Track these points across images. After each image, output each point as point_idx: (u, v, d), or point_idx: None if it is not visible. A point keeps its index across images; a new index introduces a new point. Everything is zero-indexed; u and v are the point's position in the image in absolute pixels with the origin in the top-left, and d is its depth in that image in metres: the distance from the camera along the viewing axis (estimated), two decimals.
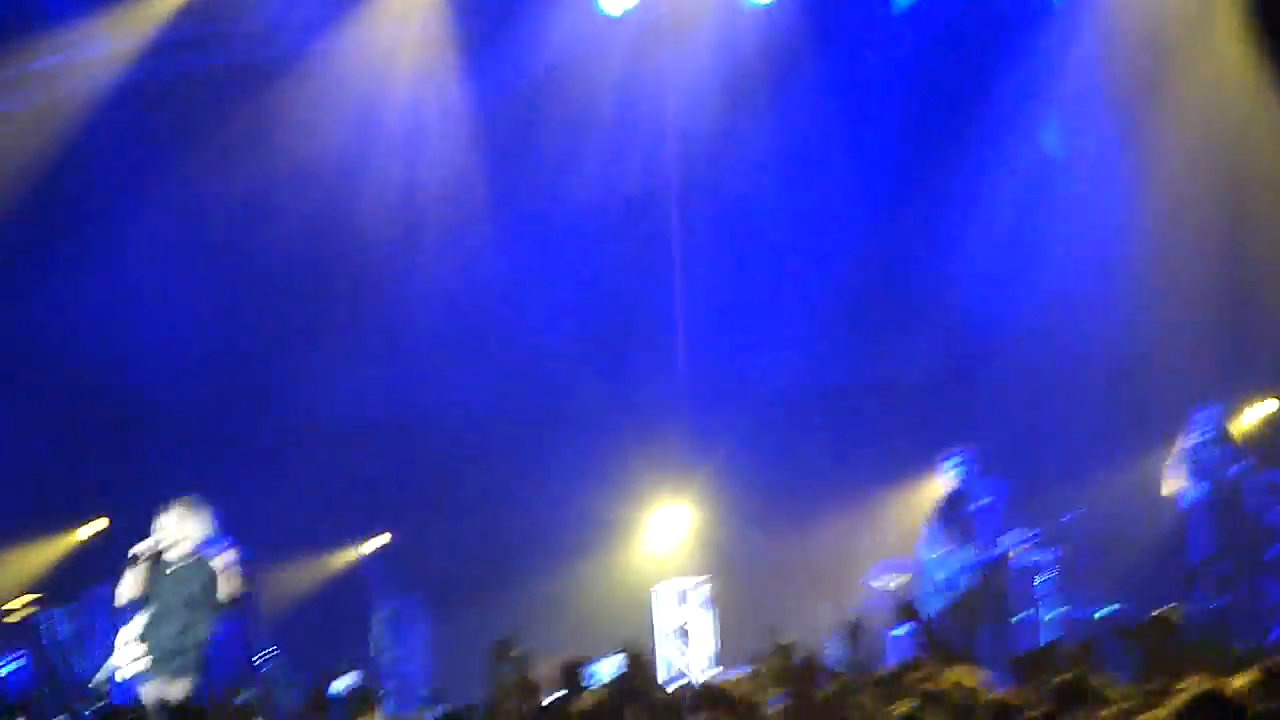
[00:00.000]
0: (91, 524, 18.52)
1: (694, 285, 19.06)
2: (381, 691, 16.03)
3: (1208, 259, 17.50)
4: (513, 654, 9.53)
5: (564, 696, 9.00)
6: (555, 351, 18.85)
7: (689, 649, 18.07)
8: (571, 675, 9.29)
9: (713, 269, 19.07)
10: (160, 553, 13.31)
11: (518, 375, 19.16)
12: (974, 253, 18.42)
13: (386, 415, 19.58)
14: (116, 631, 14.68)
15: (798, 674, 9.36)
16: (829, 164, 18.83)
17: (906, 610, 13.19)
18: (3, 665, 16.73)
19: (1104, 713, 8.29)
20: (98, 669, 14.80)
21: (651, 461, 18.88)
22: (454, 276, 18.86)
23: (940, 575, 16.00)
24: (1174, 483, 15.64)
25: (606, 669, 10.12)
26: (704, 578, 18.32)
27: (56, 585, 18.02)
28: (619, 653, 9.97)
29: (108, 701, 10.93)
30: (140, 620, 13.50)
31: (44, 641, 17.12)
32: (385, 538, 18.63)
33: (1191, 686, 7.38)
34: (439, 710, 9.25)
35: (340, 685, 10.06)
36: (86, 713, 10.40)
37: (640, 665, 9.96)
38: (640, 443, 18.91)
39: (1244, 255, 17.52)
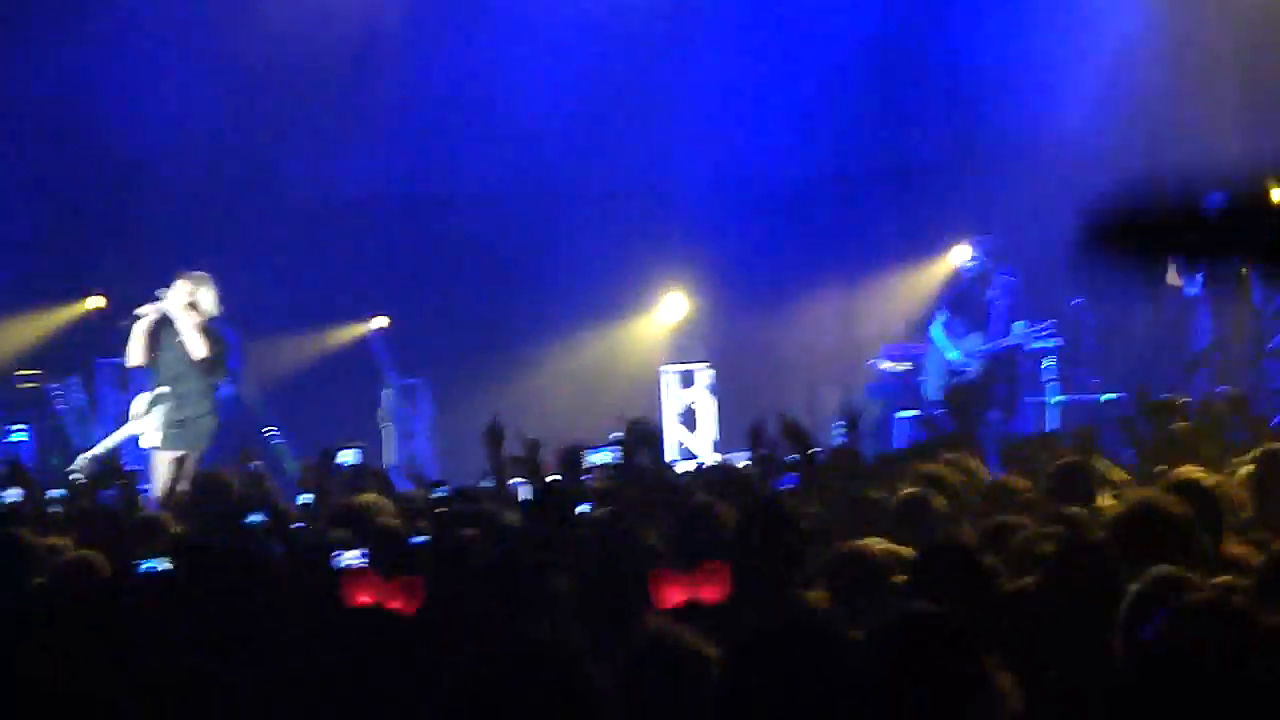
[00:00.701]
0: (95, 296, 18.49)
1: (698, 67, 18.84)
2: (385, 470, 16.19)
3: (1225, 35, 17.29)
4: (501, 438, 9.54)
5: (563, 479, 9.02)
6: (559, 133, 18.69)
7: (695, 432, 18.19)
8: (571, 460, 9.31)
9: (718, 51, 18.85)
10: (167, 322, 13.33)
11: (520, 157, 19.01)
12: (986, 33, 18.17)
13: (390, 194, 19.49)
14: (124, 402, 14.77)
15: (803, 458, 9.39)
16: None
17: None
18: (12, 434, 16.83)
19: (1101, 497, 8.38)
20: (107, 438, 14.90)
21: (656, 245, 18.86)
22: (457, 58, 18.64)
23: (948, 360, 16.04)
24: (1177, 270, 15.55)
25: (609, 454, 10.17)
26: (708, 363, 18.40)
27: (65, 356, 18.03)
28: (624, 433, 9.98)
29: (116, 468, 10.98)
30: (148, 390, 13.58)
31: (55, 410, 17.18)
32: (387, 318, 18.65)
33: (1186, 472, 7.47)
34: (444, 490, 9.28)
35: (344, 458, 10.09)
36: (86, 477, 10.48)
37: (647, 441, 9.97)
38: (644, 227, 18.88)
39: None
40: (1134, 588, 5.17)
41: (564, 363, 19.13)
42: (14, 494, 8.91)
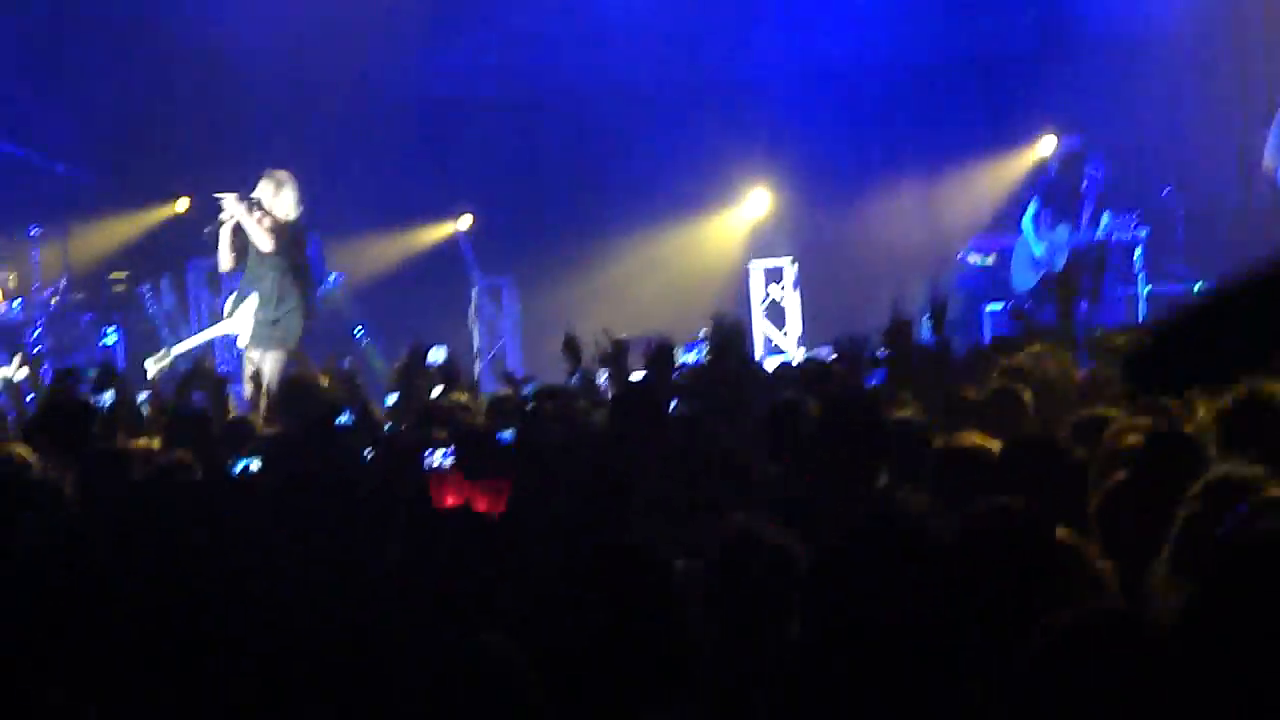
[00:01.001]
0: (184, 197, 18.58)
1: None
2: (474, 369, 16.26)
3: None
4: (578, 349, 9.57)
5: (652, 377, 8.98)
6: (642, 29, 18.54)
7: (781, 328, 18.17)
8: (660, 357, 9.24)
9: None
10: (256, 221, 13.35)
11: (604, 54, 18.86)
12: None
13: (475, 93, 19.44)
14: (214, 303, 14.87)
15: (896, 345, 9.33)
16: None
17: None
18: (105, 336, 16.99)
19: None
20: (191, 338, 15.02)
21: (740, 140, 18.74)
22: None
23: (1036, 251, 15.88)
24: (1271, 156, 15.30)
25: (696, 352, 10.13)
26: (793, 257, 18.34)
27: (156, 257, 18.14)
28: (710, 330, 9.95)
29: (209, 369, 11.08)
30: (239, 291, 13.62)
31: (146, 312, 17.33)
32: (473, 217, 18.65)
33: None
34: (530, 386, 9.31)
35: (433, 357, 10.11)
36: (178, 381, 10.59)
37: (732, 338, 9.93)
38: (728, 122, 18.75)
39: None
40: (1196, 488, 5.07)
41: (650, 259, 19.05)
42: (107, 397, 9.00)
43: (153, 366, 13.81)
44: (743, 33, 18.80)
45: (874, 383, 9.02)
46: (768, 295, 18.32)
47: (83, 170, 17.58)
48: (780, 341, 18.01)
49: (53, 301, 16.79)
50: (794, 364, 11.11)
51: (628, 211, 18.95)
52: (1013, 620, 4.14)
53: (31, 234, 16.98)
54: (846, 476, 6.19)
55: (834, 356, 9.90)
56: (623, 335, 9.86)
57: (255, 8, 18.12)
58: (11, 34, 18.19)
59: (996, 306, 16.13)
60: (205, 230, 13.51)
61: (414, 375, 9.71)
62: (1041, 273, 15.65)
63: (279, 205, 13.34)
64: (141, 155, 18.54)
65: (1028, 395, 7.75)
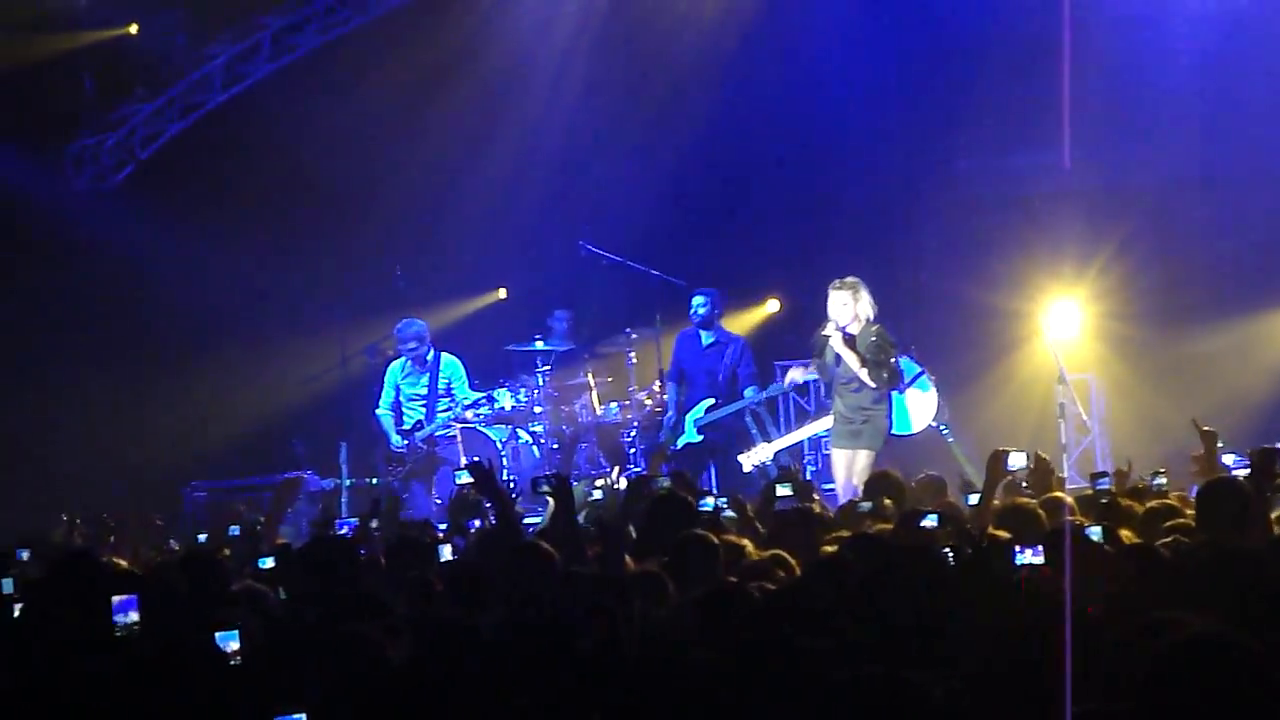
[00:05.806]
0: (773, 298, 19.12)
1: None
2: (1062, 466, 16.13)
3: None
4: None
5: (1256, 478, 8.69)
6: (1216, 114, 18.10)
7: None
8: (1265, 461, 8.92)
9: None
10: (837, 329, 13.67)
11: (1181, 140, 18.42)
12: None
13: (1059, 187, 19.25)
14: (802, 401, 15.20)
15: None
16: None
17: None
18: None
19: None
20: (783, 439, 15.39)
21: None
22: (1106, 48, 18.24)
23: None
24: None
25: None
26: None
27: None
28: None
29: (795, 474, 11.47)
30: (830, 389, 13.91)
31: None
32: (1061, 312, 18.44)
33: None
34: (1105, 482, 9.32)
35: (1014, 463, 10.11)
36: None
37: None
38: None
39: None
40: None
41: (1237, 348, 18.39)
42: (710, 501, 9.37)
43: (747, 461, 14.25)
44: None
45: None
46: None
47: (676, 274, 18.21)
48: None
49: (646, 403, 17.34)
50: None
51: (1212, 300, 18.42)
52: None
53: (628, 336, 17.64)
54: None
55: None
56: (1211, 428, 9.79)
57: (843, 115, 18.50)
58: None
59: None
60: (809, 366, 13.88)
61: (996, 476, 9.75)
62: None
63: (860, 310, 13.64)
64: (733, 258, 19.06)
65: None
